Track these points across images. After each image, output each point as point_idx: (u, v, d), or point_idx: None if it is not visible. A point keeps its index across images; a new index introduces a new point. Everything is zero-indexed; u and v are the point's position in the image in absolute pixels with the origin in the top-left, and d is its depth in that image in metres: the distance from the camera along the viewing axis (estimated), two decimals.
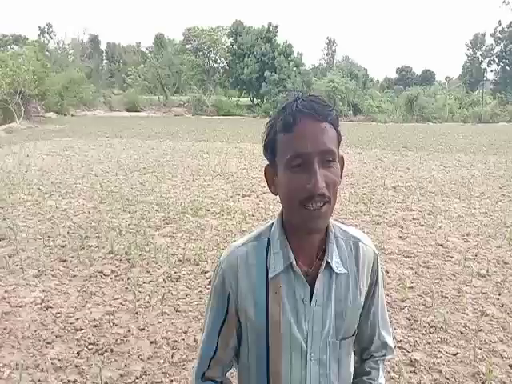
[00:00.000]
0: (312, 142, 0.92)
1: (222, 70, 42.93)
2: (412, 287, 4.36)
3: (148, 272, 4.73)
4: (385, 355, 1.23)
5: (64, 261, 4.99)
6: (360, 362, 1.23)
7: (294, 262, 1.01)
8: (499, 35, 40.35)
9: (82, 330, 3.54)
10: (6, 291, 4.22)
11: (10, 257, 5.05)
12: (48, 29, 51.11)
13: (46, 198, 7.89)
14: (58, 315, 3.77)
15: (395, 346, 3.33)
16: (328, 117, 0.94)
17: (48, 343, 3.35)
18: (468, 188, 8.77)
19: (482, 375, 3.00)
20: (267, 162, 1.04)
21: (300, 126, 0.93)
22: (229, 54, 39.72)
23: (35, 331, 3.52)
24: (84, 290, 4.27)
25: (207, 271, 4.74)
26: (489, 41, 42.19)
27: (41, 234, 5.85)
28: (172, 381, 2.98)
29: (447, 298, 4.14)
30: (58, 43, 47.18)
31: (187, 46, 41.75)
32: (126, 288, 4.32)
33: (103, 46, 59.04)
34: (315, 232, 1.00)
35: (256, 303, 1.04)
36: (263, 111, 33.77)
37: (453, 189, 8.69)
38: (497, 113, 30.44)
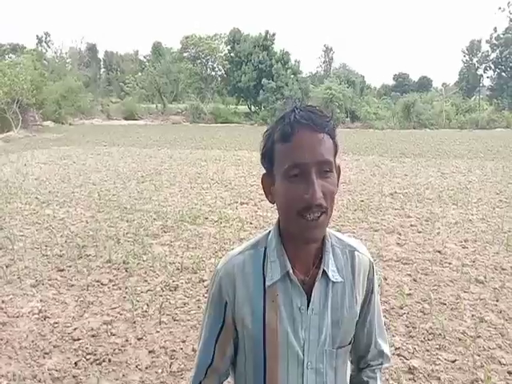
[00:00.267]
0: (310, 152, 0.93)
1: (219, 78, 43.09)
2: (410, 294, 4.36)
3: (146, 281, 4.71)
4: (382, 364, 1.22)
5: (61, 270, 4.98)
6: (357, 371, 1.23)
7: (291, 271, 1.02)
8: (495, 42, 40.70)
9: (79, 339, 3.53)
10: (3, 301, 4.20)
11: (7, 266, 5.03)
12: (46, 38, 51.29)
13: (43, 207, 7.88)
14: (56, 325, 3.76)
15: (393, 354, 3.33)
16: (326, 128, 0.95)
17: (46, 353, 3.34)
18: (465, 194, 8.80)
19: (480, 382, 2.99)
20: (264, 171, 1.05)
21: (298, 136, 0.93)
22: (226, 61, 39.90)
23: (33, 341, 3.50)
24: (82, 299, 4.25)
25: (205, 280, 4.73)
26: (485, 47, 42.61)
27: (38, 244, 5.84)
28: None
29: (445, 304, 4.14)
30: (55, 52, 47.30)
31: (185, 54, 41.90)
32: (124, 297, 4.31)
33: (101, 55, 59.31)
34: (312, 242, 1.01)
35: (253, 311, 1.04)
36: (261, 119, 33.87)
37: (450, 195, 8.71)
38: (493, 119, 30.64)
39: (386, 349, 1.22)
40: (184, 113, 38.33)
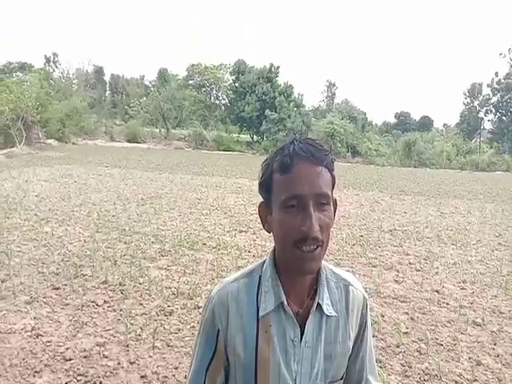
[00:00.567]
0: (308, 184, 0.94)
1: (223, 107, 43.67)
2: (407, 333, 4.32)
3: (141, 304, 4.67)
4: None
5: (57, 288, 4.93)
6: None
7: (286, 302, 1.02)
8: (496, 86, 41.48)
9: (71, 360, 3.47)
10: None
11: (2, 282, 4.99)
12: (54, 58, 52.17)
13: (42, 224, 7.86)
14: (48, 344, 3.70)
15: None
16: (324, 161, 0.97)
17: (36, 372, 3.28)
18: (464, 235, 8.81)
19: None
20: (262, 200, 1.07)
21: (297, 168, 0.95)
22: (231, 91, 40.54)
23: (23, 359, 3.45)
24: (76, 319, 4.20)
25: (201, 306, 4.68)
26: (486, 91, 43.34)
27: (35, 260, 5.80)
28: None
29: (442, 345, 4.10)
30: (62, 72, 48.04)
31: (190, 82, 42.59)
32: (118, 319, 4.26)
33: (107, 78, 60.23)
34: (308, 273, 1.01)
35: (245, 341, 1.03)
36: (263, 148, 34.18)
37: (449, 235, 8.72)
38: (494, 162, 30.91)
39: None
40: (187, 138, 38.69)
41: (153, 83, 49.18)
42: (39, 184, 12.61)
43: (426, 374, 3.58)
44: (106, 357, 3.57)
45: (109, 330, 4.04)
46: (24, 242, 6.63)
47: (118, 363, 3.49)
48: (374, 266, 6.38)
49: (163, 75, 47.51)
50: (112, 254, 6.23)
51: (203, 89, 42.17)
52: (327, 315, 1.04)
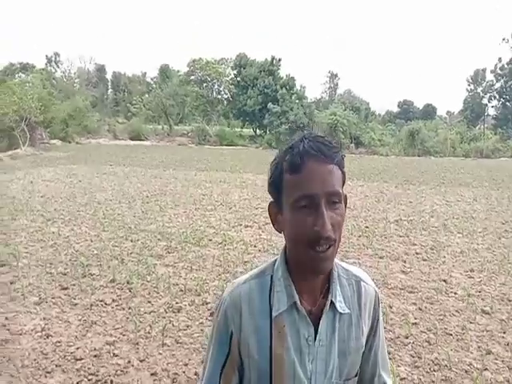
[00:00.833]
0: (319, 183, 0.93)
1: (225, 101, 43.62)
2: (415, 323, 4.31)
3: (149, 302, 4.69)
4: None
5: (65, 288, 4.97)
6: None
7: (299, 302, 1.01)
8: (499, 71, 41.19)
9: (82, 359, 3.50)
10: (6, 318, 4.18)
11: (11, 283, 5.03)
12: (55, 58, 52.26)
13: (48, 224, 7.91)
14: (58, 344, 3.73)
15: None
16: (335, 159, 0.95)
17: (47, 372, 3.31)
18: (471, 223, 8.77)
19: None
20: (271, 199, 1.05)
21: (307, 167, 0.93)
22: (232, 85, 40.47)
23: (35, 360, 3.48)
24: (85, 318, 4.23)
25: (209, 302, 4.71)
26: (489, 77, 43.05)
27: (43, 261, 5.84)
28: None
29: (451, 335, 4.09)
30: (64, 72, 48.17)
31: (192, 77, 42.54)
32: (127, 318, 4.28)
33: (109, 76, 60.27)
34: (321, 273, 1.00)
35: (259, 342, 1.02)
36: (266, 142, 34.16)
37: (455, 224, 8.69)
38: (498, 148, 30.74)
39: (389, 382, 1.20)
40: (190, 134, 38.73)
41: (154, 80, 49.21)
42: (44, 184, 12.66)
43: (435, 365, 3.58)
44: (116, 355, 3.60)
45: (118, 328, 4.07)
46: (31, 243, 6.67)
47: (128, 361, 3.51)
48: (380, 257, 6.38)
49: (165, 71, 47.51)
50: (119, 253, 6.26)
51: (205, 84, 42.11)
52: (340, 313, 1.03)
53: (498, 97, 41.98)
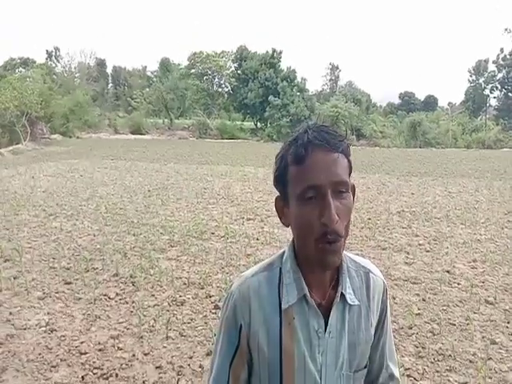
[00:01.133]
0: (325, 173, 0.91)
1: (226, 95, 43.50)
2: (419, 314, 4.32)
3: (153, 295, 4.70)
4: None
5: (69, 283, 4.97)
6: None
7: (308, 294, 1.00)
8: (501, 62, 40.96)
9: (86, 353, 3.51)
10: (10, 313, 4.19)
11: (14, 278, 5.03)
12: (55, 52, 52.06)
13: (50, 219, 7.91)
14: (63, 338, 3.74)
15: (403, 374, 3.29)
16: (340, 147, 0.93)
17: (52, 367, 3.32)
18: (473, 214, 8.75)
19: None
20: (272, 186, 1.04)
21: (312, 157, 0.92)
22: (233, 78, 40.35)
23: (39, 354, 3.49)
24: (89, 313, 4.24)
25: (212, 295, 4.71)
26: (491, 67, 42.80)
27: (46, 256, 5.85)
28: None
29: (455, 325, 4.09)
30: (64, 67, 47.97)
31: (192, 71, 42.42)
32: (131, 311, 4.29)
33: (109, 70, 60.11)
34: (330, 268, 0.99)
35: (269, 335, 1.01)
36: (267, 135, 34.11)
37: (458, 214, 8.67)
38: (500, 139, 30.67)
39: (396, 372, 1.20)
40: (190, 128, 38.68)
41: (155, 74, 49.01)
42: (46, 179, 12.67)
43: (439, 355, 3.58)
44: (121, 349, 3.61)
45: (122, 322, 4.08)
46: (34, 238, 6.68)
47: (133, 355, 3.52)
48: (383, 249, 6.37)
49: (165, 65, 47.30)
50: (122, 247, 6.26)
51: (205, 77, 42.00)
52: (350, 304, 1.02)
53: (500, 87, 41.78)
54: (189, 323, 4.10)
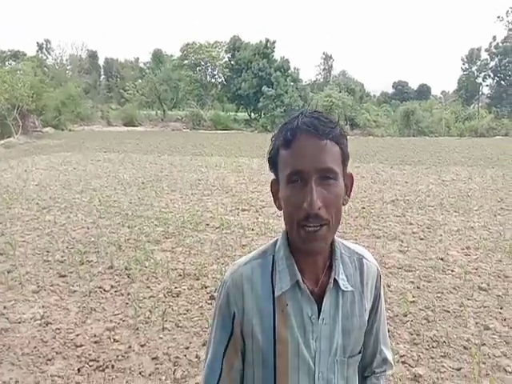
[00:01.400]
0: (310, 159, 0.91)
1: (219, 85, 43.28)
2: (414, 301, 4.34)
3: (148, 287, 4.69)
4: (385, 371, 1.22)
5: (63, 276, 4.96)
6: (361, 379, 1.20)
7: (301, 280, 0.99)
8: (494, 50, 40.95)
9: (82, 346, 3.51)
10: (4, 307, 4.18)
11: (8, 272, 5.01)
12: (46, 45, 51.47)
13: (44, 212, 7.87)
14: (58, 331, 3.73)
15: (398, 361, 3.31)
16: (330, 134, 0.93)
17: (48, 360, 3.31)
18: (466, 202, 8.80)
19: None
20: (267, 177, 1.04)
21: (299, 142, 0.92)
22: (226, 69, 40.11)
23: (35, 347, 3.48)
24: (84, 305, 4.23)
25: (208, 286, 4.71)
26: (484, 56, 42.79)
27: (39, 249, 5.82)
28: None
29: (449, 312, 4.12)
30: (56, 59, 47.43)
31: (185, 62, 42.12)
32: (127, 303, 4.29)
33: (101, 62, 59.54)
34: (313, 254, 0.99)
35: (262, 322, 1.01)
36: (261, 126, 34.00)
37: (451, 202, 8.72)
38: (493, 127, 30.79)
39: (390, 356, 1.21)
40: (184, 119, 38.47)
41: (147, 65, 48.58)
42: (38, 173, 12.58)
43: (434, 341, 3.61)
44: (117, 341, 3.61)
45: (118, 314, 4.07)
46: (27, 232, 6.65)
47: (129, 346, 3.52)
48: (377, 237, 6.40)
49: (158, 56, 46.89)
50: (116, 239, 6.24)
51: (198, 68, 41.75)
52: (343, 290, 1.02)
53: (492, 75, 41.79)
54: (185, 314, 4.11)
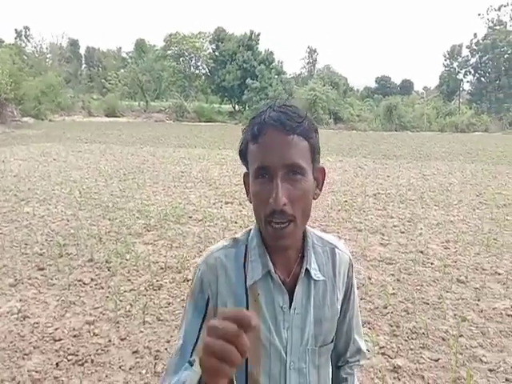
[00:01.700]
0: (276, 155, 0.90)
1: (203, 77, 42.92)
2: (394, 294, 4.40)
3: (129, 280, 4.65)
4: (359, 360, 1.23)
5: (42, 269, 4.87)
6: (335, 368, 1.21)
7: (273, 270, 0.99)
8: (475, 47, 41.43)
9: (61, 340, 3.46)
10: None
11: None
12: (25, 32, 50.32)
13: (22, 204, 7.72)
14: (36, 325, 3.67)
15: (378, 353, 3.36)
16: (297, 129, 0.91)
17: (25, 355, 3.25)
18: (446, 196, 8.93)
19: (463, 380, 3.03)
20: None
21: (265, 138, 0.91)
22: (211, 60, 39.80)
23: (11, 342, 3.41)
24: (63, 299, 4.17)
25: (190, 279, 4.68)
26: (465, 52, 43.26)
27: (17, 242, 5.71)
28: None
29: (428, 304, 4.19)
30: (35, 47, 46.42)
31: (168, 52, 41.62)
32: (107, 297, 4.24)
33: (82, 51, 58.54)
34: (281, 250, 0.99)
35: (236, 308, 1.00)
36: (245, 118, 33.81)
37: (432, 196, 8.83)
38: (473, 123, 31.22)
39: (363, 345, 1.22)
40: (167, 111, 38.04)
41: (130, 55, 47.85)
42: (17, 163, 12.33)
43: (413, 333, 3.66)
44: (97, 335, 3.57)
45: (97, 308, 4.02)
46: (5, 224, 6.51)
47: (109, 340, 3.48)
48: (359, 231, 6.45)
49: (140, 46, 46.22)
50: (96, 232, 6.16)
51: (182, 59, 41.31)
52: (315, 280, 1.03)
53: (473, 72, 42.30)
54: (166, 307, 4.08)
